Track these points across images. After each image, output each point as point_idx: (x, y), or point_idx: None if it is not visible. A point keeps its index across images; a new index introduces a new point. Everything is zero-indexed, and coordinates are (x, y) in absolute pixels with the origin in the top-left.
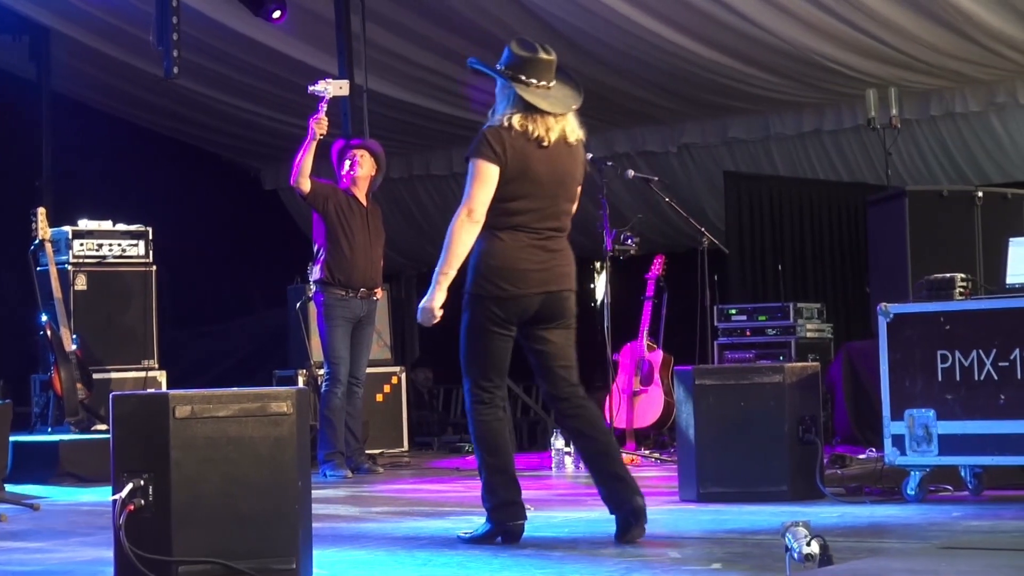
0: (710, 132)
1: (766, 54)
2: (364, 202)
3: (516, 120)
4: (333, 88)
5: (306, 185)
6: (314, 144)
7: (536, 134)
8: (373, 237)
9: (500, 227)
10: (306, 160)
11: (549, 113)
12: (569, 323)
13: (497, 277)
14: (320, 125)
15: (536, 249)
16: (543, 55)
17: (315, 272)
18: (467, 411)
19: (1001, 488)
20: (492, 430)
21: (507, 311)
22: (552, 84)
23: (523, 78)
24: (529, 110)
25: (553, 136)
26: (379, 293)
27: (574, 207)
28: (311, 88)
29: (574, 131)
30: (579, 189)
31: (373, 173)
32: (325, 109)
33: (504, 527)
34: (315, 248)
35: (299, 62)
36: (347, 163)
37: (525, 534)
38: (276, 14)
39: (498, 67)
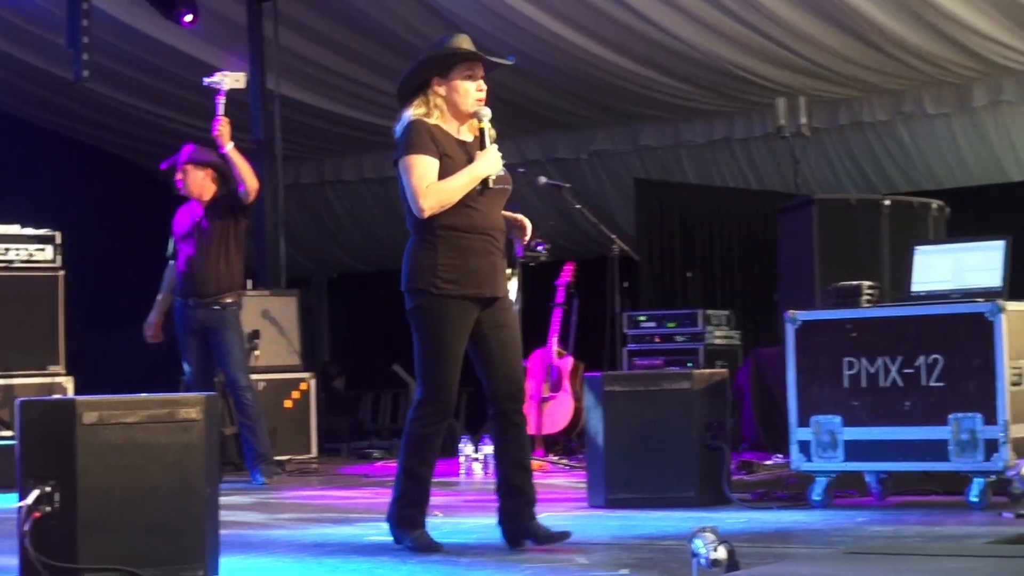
0: (621, 139)
1: (677, 62)
2: (199, 210)
3: None
4: (229, 80)
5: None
6: (231, 153)
7: None
8: (208, 244)
9: None
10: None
11: None
12: None
13: None
14: (223, 131)
15: None
16: None
17: None
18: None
19: (905, 494)
20: None
21: None
22: None
23: None
24: None
25: None
26: (227, 300)
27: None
28: (207, 80)
29: None
30: None
31: (210, 180)
32: (223, 107)
33: None
34: None
35: (211, 66)
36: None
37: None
38: (188, 18)
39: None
